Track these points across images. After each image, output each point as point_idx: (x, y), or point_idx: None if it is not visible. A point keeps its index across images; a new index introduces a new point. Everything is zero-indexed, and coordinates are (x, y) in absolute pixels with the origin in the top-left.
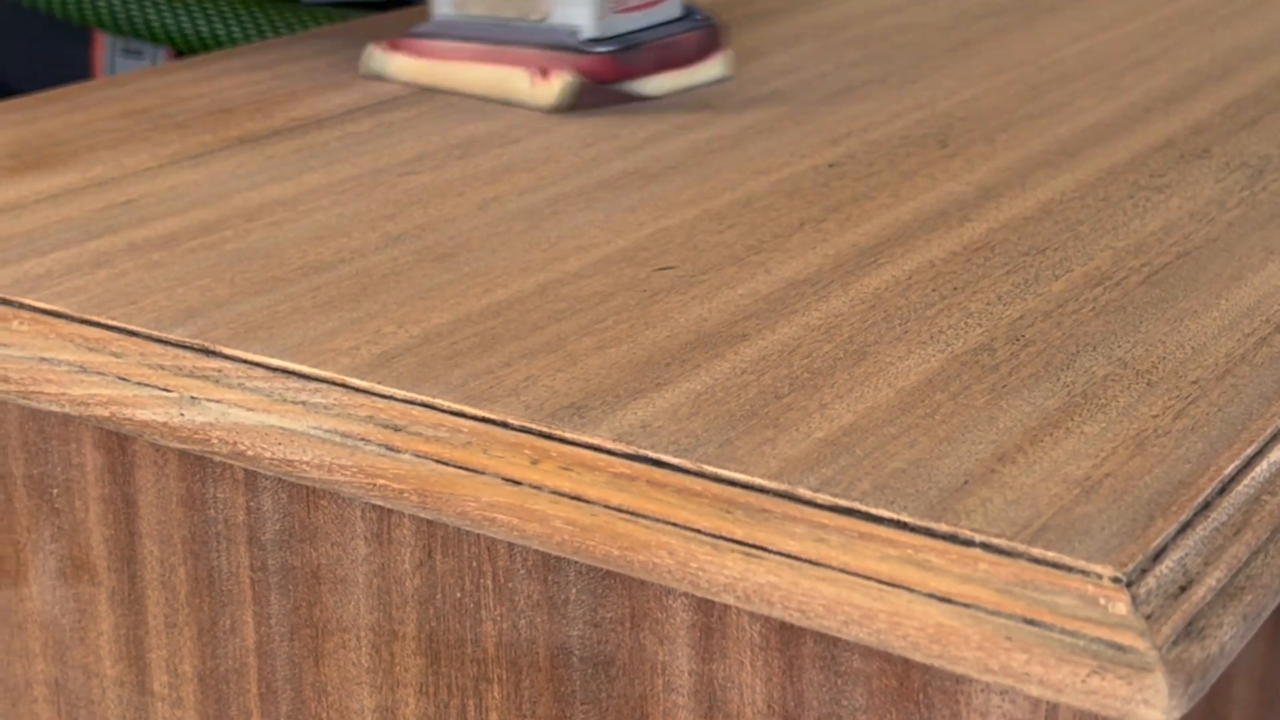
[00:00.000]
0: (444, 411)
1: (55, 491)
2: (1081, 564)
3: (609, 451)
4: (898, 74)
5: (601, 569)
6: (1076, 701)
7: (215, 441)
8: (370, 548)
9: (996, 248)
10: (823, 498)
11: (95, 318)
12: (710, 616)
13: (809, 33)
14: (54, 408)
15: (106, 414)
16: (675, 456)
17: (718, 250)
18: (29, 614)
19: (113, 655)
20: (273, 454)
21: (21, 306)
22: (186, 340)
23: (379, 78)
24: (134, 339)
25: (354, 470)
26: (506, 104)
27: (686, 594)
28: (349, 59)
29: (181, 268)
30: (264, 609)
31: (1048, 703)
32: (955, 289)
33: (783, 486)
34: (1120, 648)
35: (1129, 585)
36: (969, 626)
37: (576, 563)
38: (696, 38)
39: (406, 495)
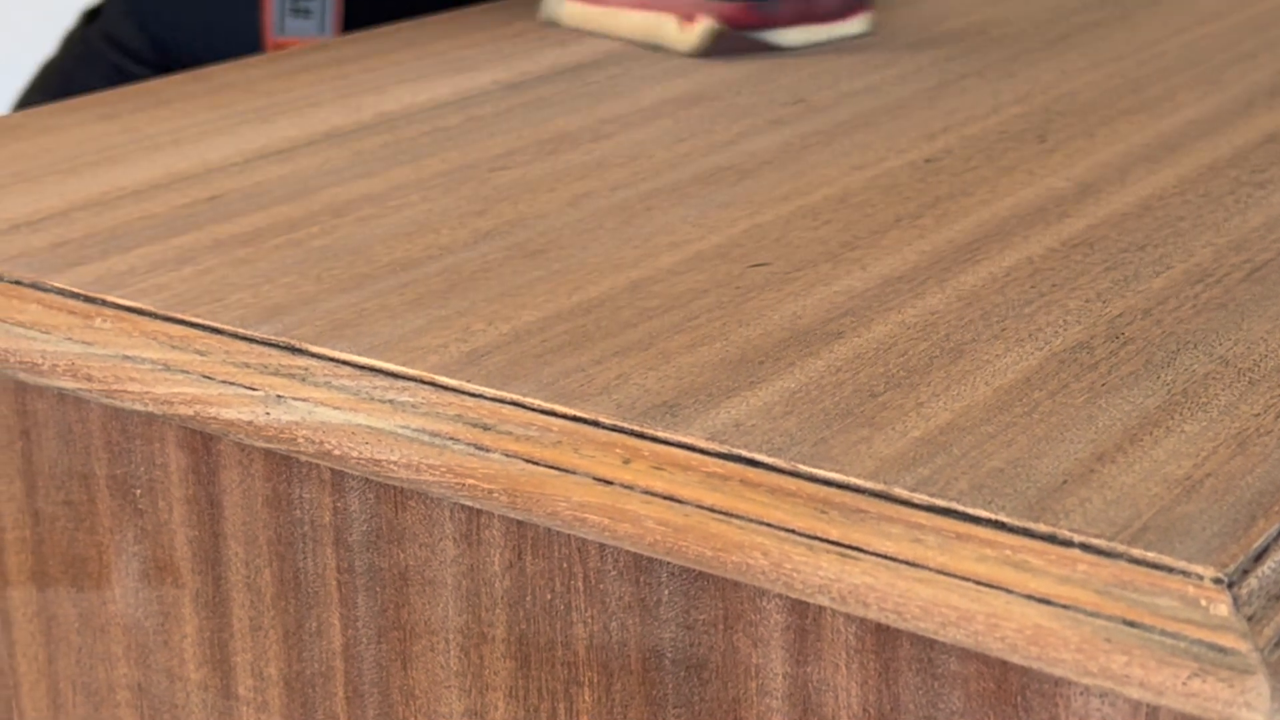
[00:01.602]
0: (534, 410)
1: (138, 492)
2: (1182, 565)
3: (702, 451)
4: (995, 68)
5: (694, 570)
6: (1177, 704)
7: (301, 441)
8: (459, 549)
9: (1096, 244)
10: (919, 497)
11: (179, 315)
12: (805, 618)
13: (905, 26)
14: (137, 407)
15: (191, 413)
16: (769, 456)
17: (812, 247)
18: (111, 617)
19: (197, 659)
20: (360, 453)
21: (105, 304)
22: (272, 338)
23: (553, 23)
24: (219, 337)
25: (442, 470)
26: (657, 48)
27: (780, 595)
28: (437, 52)
29: (267, 264)
30: (351, 611)
31: (1148, 705)
32: (1054, 286)
33: (878, 486)
34: (1222, 650)
35: (1230, 586)
36: (1068, 628)
37: (669, 564)
38: None
39: (496, 495)
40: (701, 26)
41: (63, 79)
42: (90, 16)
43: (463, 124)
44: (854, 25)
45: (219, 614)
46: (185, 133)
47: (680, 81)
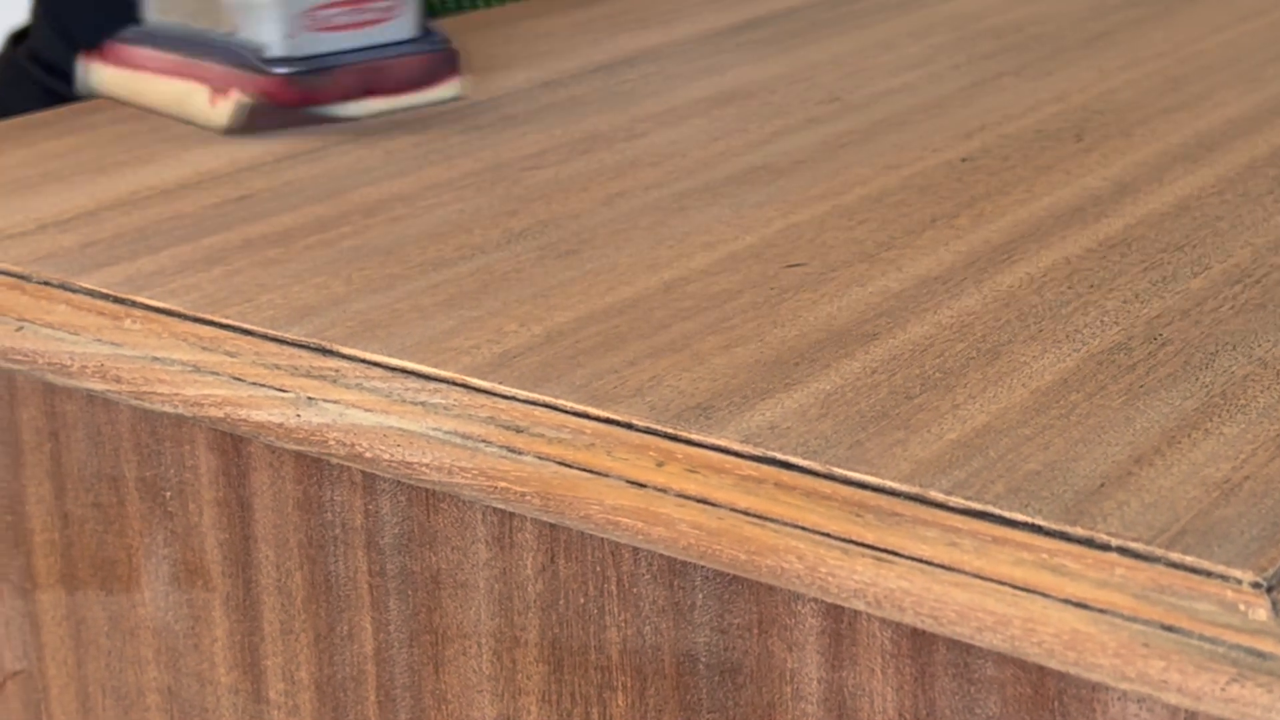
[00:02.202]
0: (567, 412)
1: (168, 494)
2: (1221, 569)
3: (736, 453)
4: (1033, 66)
5: (728, 574)
6: (1215, 710)
7: (332, 443)
8: (491, 552)
9: (1133, 244)
10: (955, 501)
11: (209, 316)
12: (840, 622)
13: (942, 24)
14: (167, 408)
15: (221, 415)
16: (804, 458)
17: (848, 247)
18: (141, 620)
19: (227, 662)
20: (391, 456)
21: (134, 305)
22: (303, 339)
23: (91, 93)
24: (249, 338)
25: (475, 473)
26: (189, 123)
27: (815, 599)
28: (469, 49)
29: (298, 265)
30: (382, 615)
31: (1186, 711)
32: (1091, 286)
33: (914, 489)
34: (1261, 654)
35: (1269, 590)
36: (1105, 633)
37: (703, 567)
38: (419, 62)
39: (528, 498)
40: (231, 102)
41: None
42: (17, 38)
43: (495, 122)
44: (439, 92)
45: (249, 617)
46: (214, 132)
47: (715, 80)
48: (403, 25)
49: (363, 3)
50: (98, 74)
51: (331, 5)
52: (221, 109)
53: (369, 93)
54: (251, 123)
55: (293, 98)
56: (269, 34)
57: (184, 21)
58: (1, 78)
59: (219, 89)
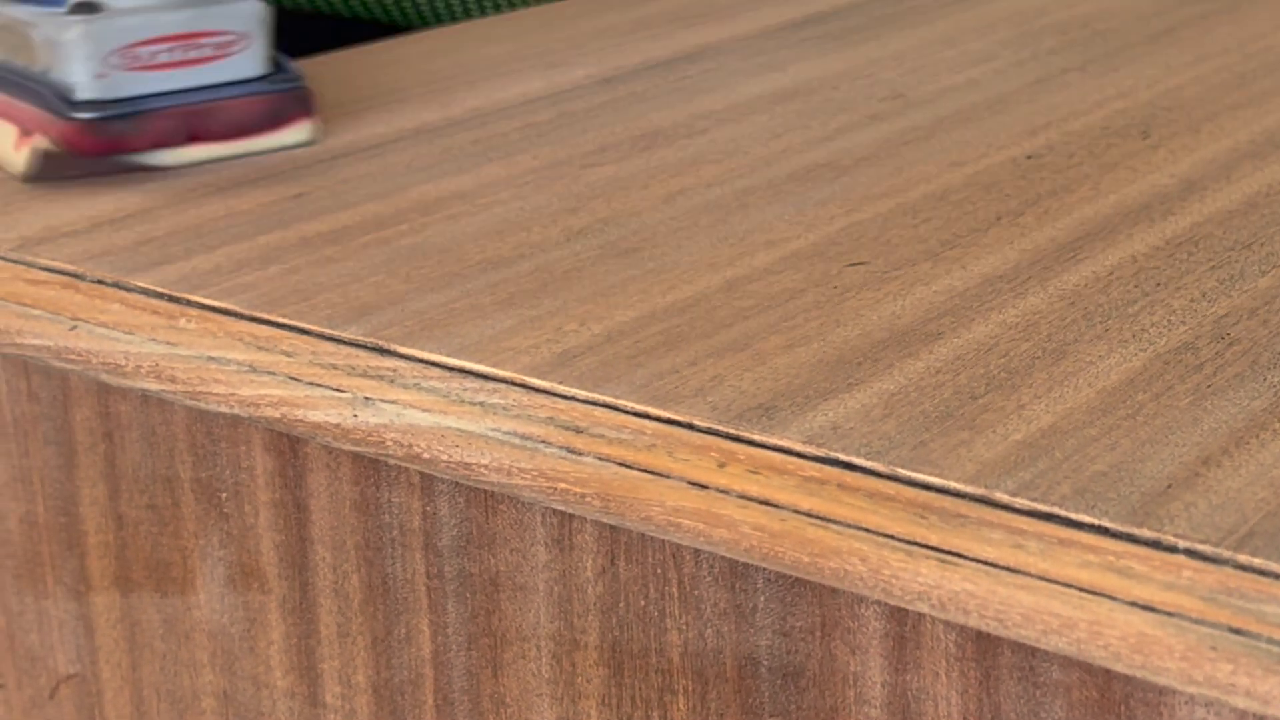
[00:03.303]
0: (627, 413)
1: (224, 496)
2: None
3: (798, 454)
4: (1098, 62)
5: (791, 576)
6: None
7: (390, 444)
8: (551, 554)
9: (1201, 242)
10: (1021, 502)
11: (265, 315)
12: (904, 625)
13: (1005, 20)
14: (223, 409)
15: (277, 415)
16: (867, 459)
17: (911, 245)
18: (196, 623)
19: (283, 666)
20: (449, 457)
21: (189, 304)
22: (360, 339)
23: None
24: (306, 337)
25: (534, 474)
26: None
27: (879, 602)
28: (529, 46)
29: (355, 264)
30: (440, 618)
31: (1254, 714)
32: (1158, 285)
33: (979, 490)
34: None
35: None
36: (1172, 636)
37: (765, 570)
38: (258, 103)
39: (588, 499)
40: (30, 147)
41: None
42: None
43: (555, 119)
44: (283, 137)
45: (306, 620)
46: None
47: (777, 76)
48: (244, 63)
49: (193, 38)
50: None
51: (153, 41)
52: (23, 154)
53: (191, 139)
54: (49, 170)
55: (93, 147)
56: (77, 74)
57: (8, 56)
58: None
59: (25, 132)
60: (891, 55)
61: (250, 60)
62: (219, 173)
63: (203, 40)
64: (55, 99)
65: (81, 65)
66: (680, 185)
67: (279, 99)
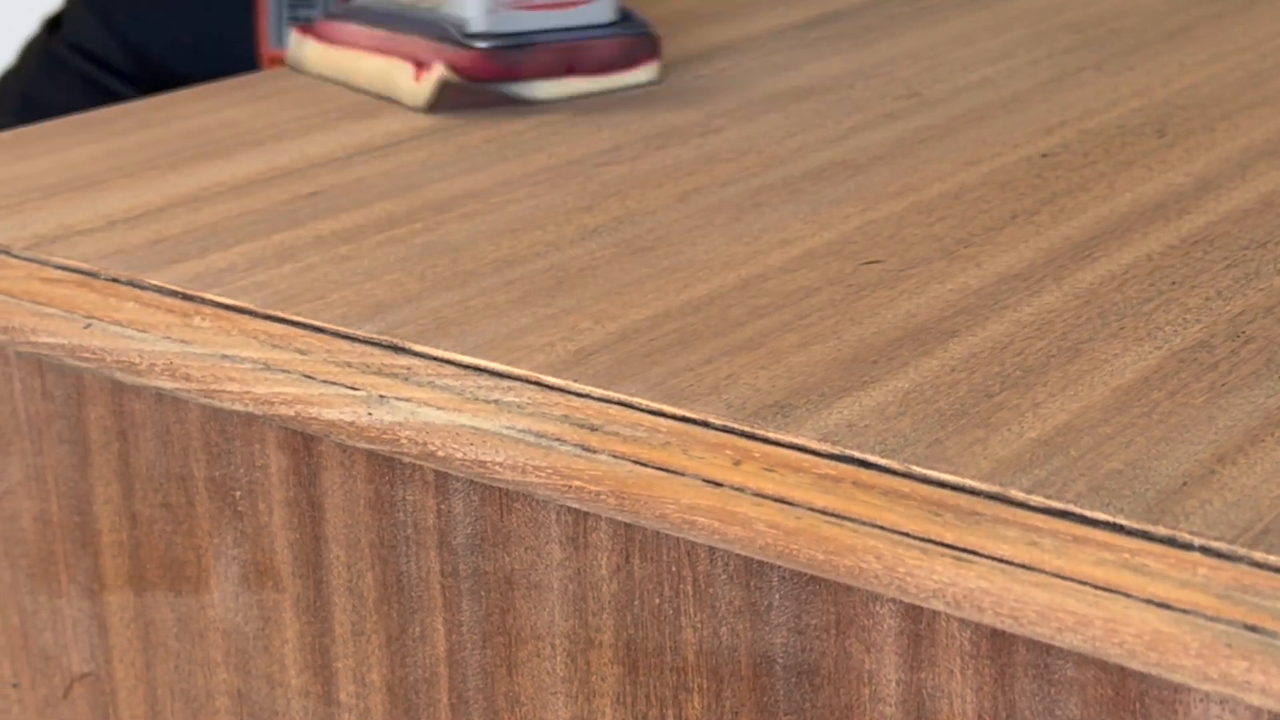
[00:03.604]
0: (642, 411)
1: (238, 494)
2: None
3: (814, 452)
4: (1113, 60)
5: (806, 574)
6: None
7: (404, 442)
8: (565, 552)
9: (1216, 241)
10: (1036, 500)
11: (280, 313)
12: (919, 623)
13: (1020, 18)
14: (237, 407)
15: (291, 413)
16: (882, 457)
17: (926, 243)
18: (210, 622)
19: (298, 664)
20: (464, 455)
21: (203, 302)
22: (375, 337)
23: (297, 69)
24: (320, 335)
25: (549, 471)
26: (392, 100)
27: (894, 600)
28: None
29: (369, 261)
30: (455, 616)
31: (1269, 712)
32: (1173, 284)
33: (994, 488)
34: None
35: None
36: (1187, 633)
37: (780, 567)
38: (618, 44)
39: (603, 497)
40: (432, 77)
41: (27, 93)
42: (53, 25)
43: (569, 118)
44: (637, 75)
45: (320, 619)
46: (286, 127)
47: (791, 75)
48: (602, 9)
49: None
50: (307, 50)
51: None
52: (425, 84)
53: (568, 72)
54: (448, 100)
55: (492, 72)
56: (471, 9)
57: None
58: (38, 67)
59: (421, 64)
60: (907, 54)
61: (606, 6)
62: (233, 171)
63: None
64: (450, 33)
65: (477, 2)
66: (695, 184)
67: (635, 41)
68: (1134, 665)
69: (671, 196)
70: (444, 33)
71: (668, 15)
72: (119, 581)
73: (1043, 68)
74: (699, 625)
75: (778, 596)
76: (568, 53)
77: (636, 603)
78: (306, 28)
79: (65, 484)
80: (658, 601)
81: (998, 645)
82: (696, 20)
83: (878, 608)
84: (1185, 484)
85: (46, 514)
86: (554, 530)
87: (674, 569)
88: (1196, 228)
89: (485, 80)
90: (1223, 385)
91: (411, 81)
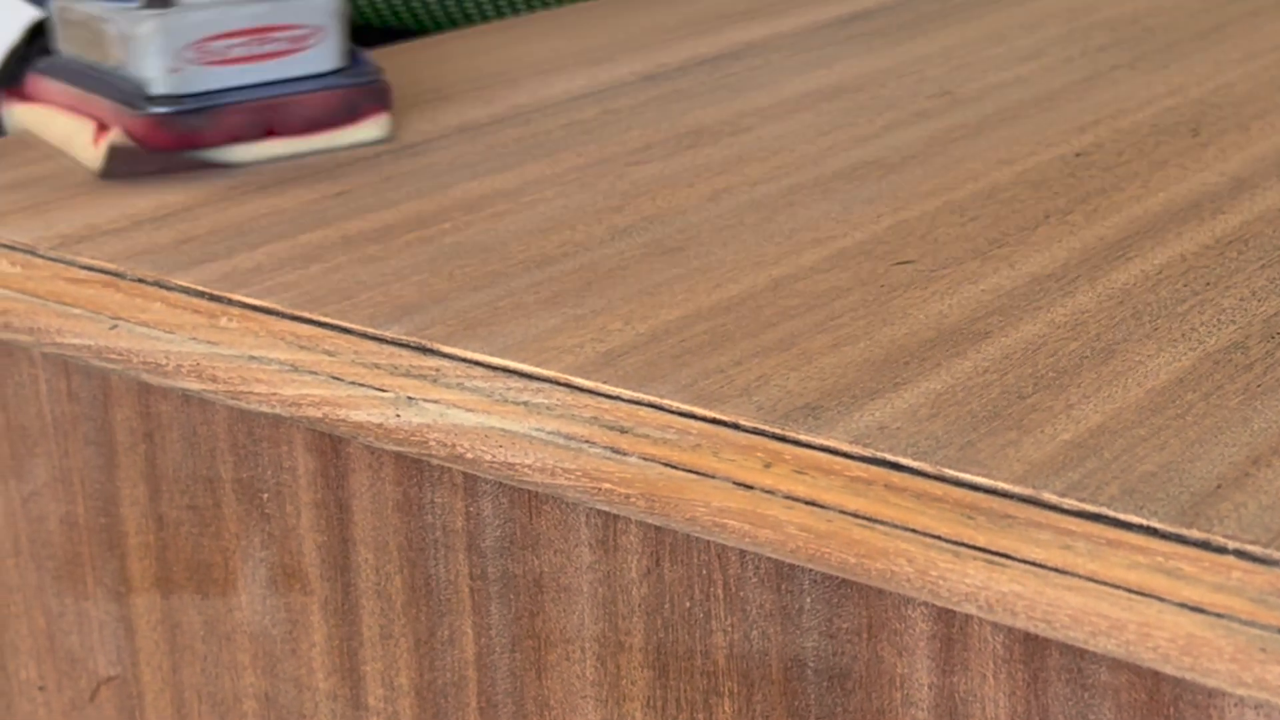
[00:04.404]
0: (672, 412)
1: (265, 496)
2: None
3: (845, 454)
4: (1147, 59)
5: (837, 577)
6: None
7: (433, 444)
8: (595, 555)
9: (1251, 241)
10: (1069, 503)
11: (307, 314)
12: (951, 627)
13: (1053, 16)
14: (264, 408)
15: (319, 415)
16: (914, 459)
17: (959, 244)
18: (237, 624)
19: (325, 668)
20: (493, 457)
21: (230, 303)
22: (403, 338)
23: (11, 128)
24: (348, 336)
25: (578, 474)
26: (78, 163)
27: (926, 603)
28: (572, 42)
29: (398, 262)
30: (484, 619)
31: None
32: (1207, 284)
33: (1027, 491)
34: None
35: None
36: (1222, 638)
37: (811, 571)
38: (333, 98)
39: (633, 500)
40: (105, 142)
41: None
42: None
43: (599, 117)
44: (358, 133)
45: (348, 622)
46: None
47: (823, 73)
48: (319, 57)
49: (267, 32)
50: (11, 112)
51: (226, 35)
52: (100, 149)
53: (268, 134)
54: (123, 166)
55: (166, 141)
56: (150, 69)
57: (81, 53)
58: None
59: (102, 127)
60: (939, 52)
61: (325, 54)
62: (261, 170)
63: (276, 34)
64: (129, 94)
65: (154, 60)
66: (726, 183)
67: (354, 93)
68: (1168, 670)
69: (702, 196)
70: (126, 94)
71: (697, 14)
72: (145, 584)
73: (1076, 66)
74: (730, 629)
75: (809, 600)
76: (265, 112)
77: (667, 606)
78: (19, 89)
79: (91, 486)
80: (688, 605)
81: (1030, 649)
82: (727, 18)
83: (910, 611)
84: (1220, 486)
85: (73, 516)
86: (583, 533)
87: (704, 572)
88: (1231, 228)
89: (161, 149)
90: (1257, 386)
91: (90, 146)
